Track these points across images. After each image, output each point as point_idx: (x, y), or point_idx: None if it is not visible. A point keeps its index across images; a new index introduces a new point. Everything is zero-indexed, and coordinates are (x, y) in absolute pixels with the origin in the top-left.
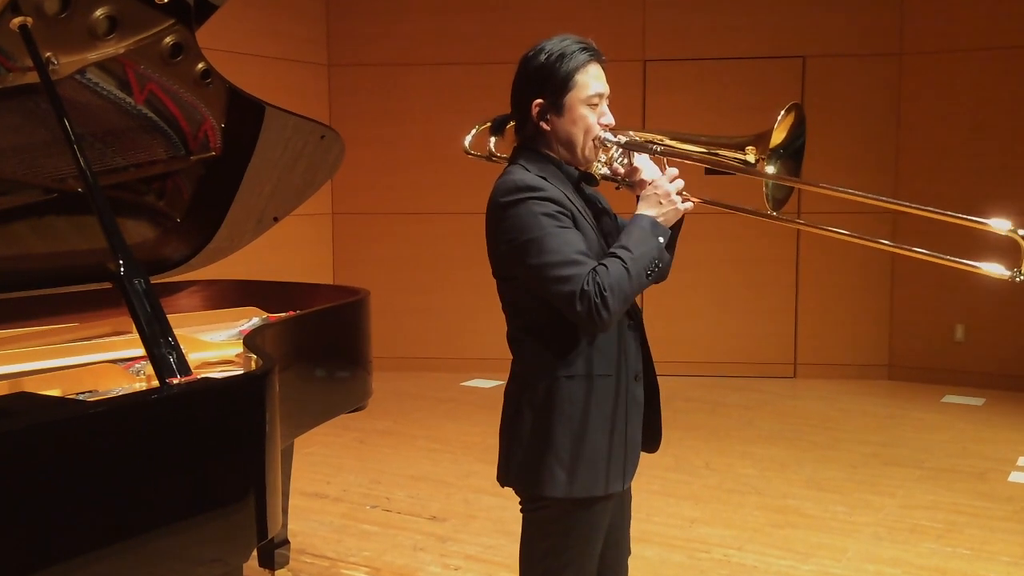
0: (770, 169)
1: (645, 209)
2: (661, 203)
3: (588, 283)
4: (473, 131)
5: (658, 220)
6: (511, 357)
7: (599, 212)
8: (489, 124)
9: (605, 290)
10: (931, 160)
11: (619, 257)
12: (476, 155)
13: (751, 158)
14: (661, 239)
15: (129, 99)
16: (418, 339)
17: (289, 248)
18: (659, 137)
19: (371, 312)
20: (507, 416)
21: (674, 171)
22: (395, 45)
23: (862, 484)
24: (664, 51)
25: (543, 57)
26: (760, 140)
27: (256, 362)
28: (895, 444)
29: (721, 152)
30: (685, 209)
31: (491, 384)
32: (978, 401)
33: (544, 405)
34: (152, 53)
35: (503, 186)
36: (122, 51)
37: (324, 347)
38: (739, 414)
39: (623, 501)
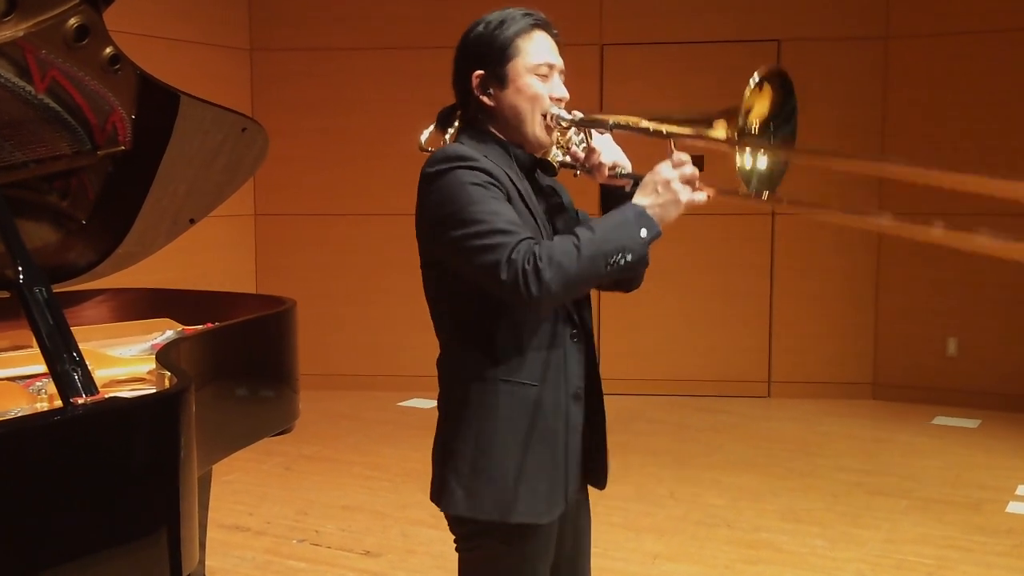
0: (748, 149)
1: (638, 197)
2: (658, 191)
3: (518, 251)
4: (428, 129)
5: (648, 211)
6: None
7: (555, 207)
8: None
9: (540, 259)
10: (920, 153)
11: (574, 234)
12: (432, 152)
13: (720, 134)
14: (644, 232)
15: (29, 87)
16: (351, 354)
17: (207, 253)
18: (619, 117)
19: (298, 324)
20: (437, 424)
21: (682, 156)
22: (325, 28)
23: (844, 516)
24: (623, 35)
25: (481, 27)
26: (731, 113)
27: (170, 380)
28: (881, 471)
29: (689, 129)
30: (690, 201)
31: (432, 404)
32: (973, 423)
33: (455, 411)
34: (55, 36)
35: (432, 157)
36: (21, 34)
37: (246, 363)
38: (707, 438)
39: (578, 535)
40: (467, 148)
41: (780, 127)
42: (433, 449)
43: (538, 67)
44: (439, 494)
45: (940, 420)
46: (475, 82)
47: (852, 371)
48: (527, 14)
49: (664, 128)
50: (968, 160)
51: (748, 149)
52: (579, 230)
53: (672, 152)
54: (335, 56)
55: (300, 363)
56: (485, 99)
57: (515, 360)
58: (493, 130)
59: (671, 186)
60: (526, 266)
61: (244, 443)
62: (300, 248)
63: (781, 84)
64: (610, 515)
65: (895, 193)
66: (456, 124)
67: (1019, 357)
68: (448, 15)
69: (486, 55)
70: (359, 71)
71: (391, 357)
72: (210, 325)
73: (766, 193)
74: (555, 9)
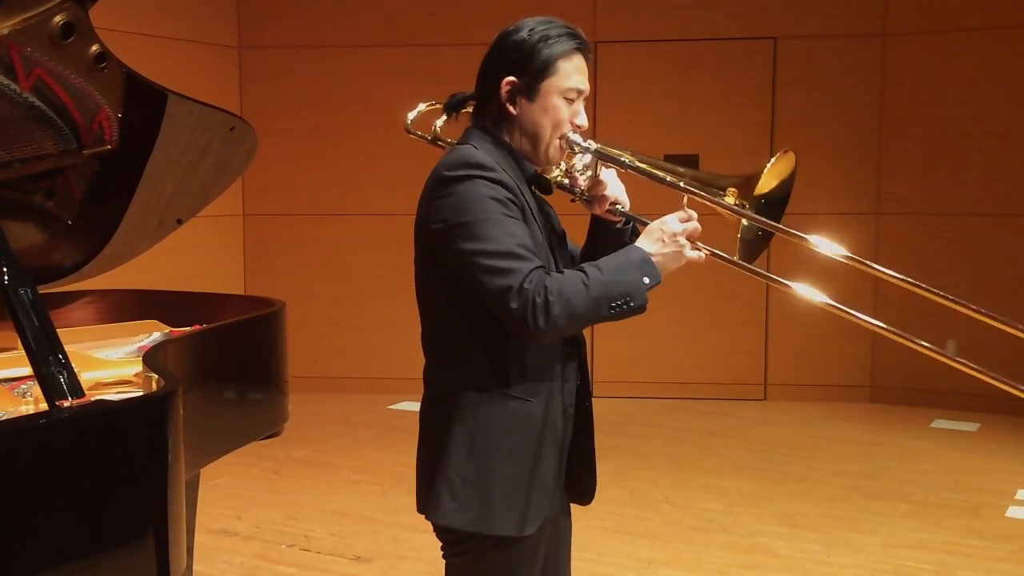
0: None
1: (643, 243)
2: (664, 241)
3: (530, 280)
4: (421, 107)
5: (652, 258)
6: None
7: (550, 228)
8: (441, 103)
9: (551, 293)
10: (918, 152)
11: (583, 271)
12: (419, 135)
13: (730, 200)
14: (647, 279)
15: (14, 86)
16: (340, 357)
17: (195, 254)
18: (633, 157)
19: (287, 326)
20: (420, 432)
21: (691, 212)
22: (315, 25)
23: (841, 520)
24: (617, 32)
25: (525, 33)
26: (746, 184)
27: (157, 382)
28: (878, 475)
29: (699, 189)
30: (690, 258)
31: None
32: (972, 426)
33: (446, 421)
34: (40, 34)
35: (450, 159)
36: (6, 31)
37: (234, 366)
38: (703, 441)
39: (557, 553)
40: (485, 156)
41: (774, 196)
42: (419, 458)
43: (569, 91)
44: (427, 503)
45: (939, 423)
46: (505, 88)
47: (849, 374)
48: (572, 35)
49: (680, 182)
50: (967, 161)
51: (745, 219)
52: (588, 268)
53: (684, 207)
54: (326, 54)
55: (289, 365)
56: (510, 107)
57: (517, 374)
58: (506, 138)
59: (677, 239)
60: (536, 298)
61: (232, 446)
62: (289, 249)
63: (788, 164)
64: (604, 520)
65: (894, 192)
66: (457, 115)
67: (1020, 359)
68: (440, 12)
69: (524, 65)
70: (350, 69)
71: (381, 359)
72: (198, 327)
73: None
74: (548, 5)
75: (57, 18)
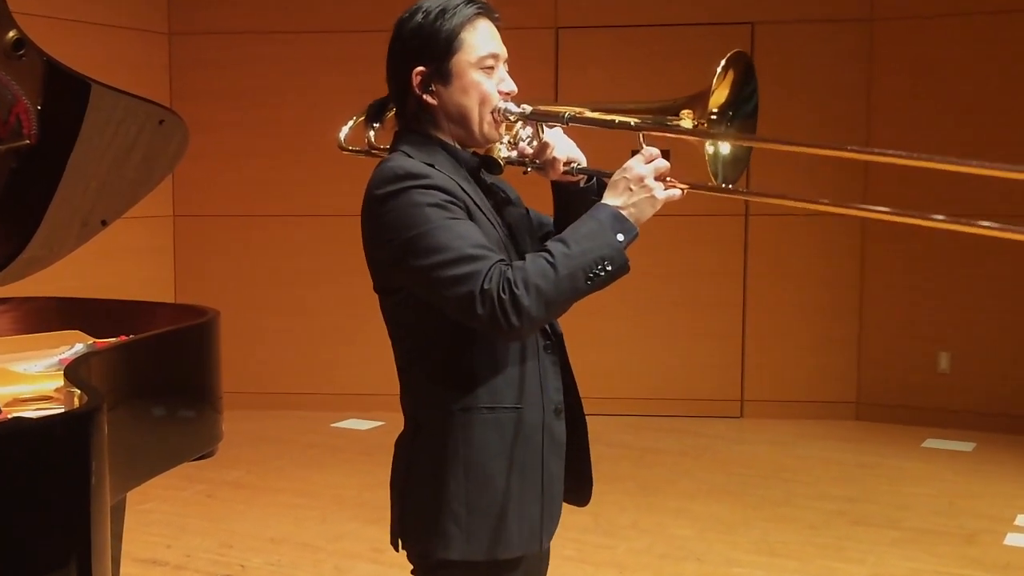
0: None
1: (609, 198)
2: (631, 189)
3: (490, 280)
4: (349, 123)
5: (623, 212)
6: (399, 392)
7: (503, 204)
8: (363, 115)
9: (516, 286)
10: (908, 144)
11: (547, 251)
12: (353, 151)
13: (687, 124)
14: (621, 236)
15: None
16: (279, 371)
17: (121, 258)
18: (575, 109)
19: (221, 337)
20: (395, 463)
21: (653, 150)
22: (251, 10)
23: (825, 549)
24: (580, 17)
25: (420, 16)
26: (697, 101)
27: (80, 398)
28: (865, 499)
29: (651, 120)
30: (665, 199)
31: (369, 425)
32: (967, 446)
33: (436, 447)
34: None
35: (379, 175)
36: None
37: (164, 380)
38: (673, 462)
39: (540, 568)
40: (415, 162)
41: (741, 110)
42: (401, 492)
43: (484, 60)
44: (428, 541)
45: (931, 443)
46: (415, 80)
47: (833, 389)
48: (469, 1)
49: (631, 120)
50: (957, 150)
51: (712, 137)
52: (551, 244)
53: (642, 146)
54: (264, 40)
55: (223, 380)
56: (427, 98)
57: (494, 384)
58: (435, 133)
59: (645, 183)
60: (502, 295)
61: (162, 468)
62: (224, 253)
63: (742, 67)
64: (564, 548)
65: (881, 183)
66: (384, 121)
67: (1017, 373)
68: None
69: (427, 49)
70: (291, 57)
71: (323, 373)
72: (124, 338)
73: (738, 183)
74: None
75: None
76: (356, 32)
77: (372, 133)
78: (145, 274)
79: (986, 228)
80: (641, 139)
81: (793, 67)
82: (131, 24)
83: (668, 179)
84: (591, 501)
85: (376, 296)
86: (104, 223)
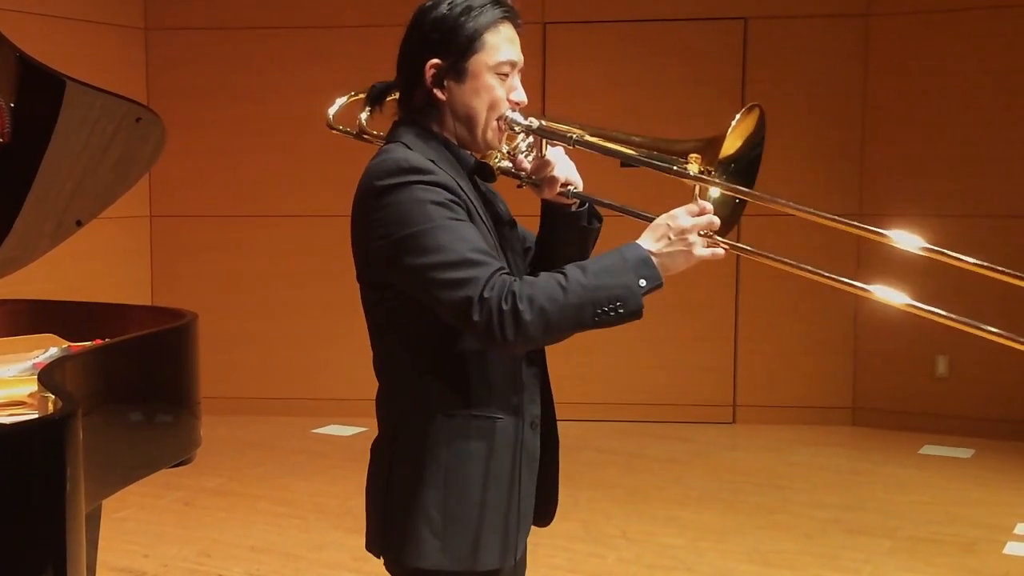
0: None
1: (645, 240)
2: (670, 238)
3: (491, 287)
4: (342, 99)
5: (654, 258)
6: (376, 394)
7: (495, 216)
8: (363, 94)
9: (520, 300)
10: (905, 146)
11: (563, 273)
12: (342, 131)
13: (693, 169)
14: (643, 282)
15: None
16: (259, 375)
17: (96, 260)
18: (582, 131)
19: (199, 341)
20: (373, 471)
21: (706, 204)
22: (231, 4)
23: (819, 558)
24: (568, 12)
25: (445, 7)
26: (709, 148)
27: (54, 403)
28: (861, 507)
29: (657, 158)
30: (703, 257)
31: (351, 431)
32: (965, 453)
33: (413, 451)
34: None
35: (381, 166)
36: None
37: (140, 385)
38: (664, 469)
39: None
40: (418, 156)
41: (744, 159)
42: (376, 497)
43: (501, 65)
44: (401, 547)
45: (928, 449)
46: (429, 71)
47: (828, 394)
48: (496, 3)
49: (627, 151)
50: (962, 156)
51: (713, 187)
52: (570, 269)
53: (696, 199)
54: (243, 36)
55: (202, 385)
56: (437, 92)
57: (482, 392)
58: (437, 129)
59: (687, 237)
60: (503, 306)
61: (138, 475)
62: (201, 254)
63: (756, 119)
64: (553, 557)
65: (879, 192)
66: (383, 106)
67: (1017, 378)
68: None
69: (447, 44)
70: (271, 53)
71: (305, 378)
72: (99, 341)
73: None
74: None
75: None
76: (337, 28)
77: (365, 116)
78: (121, 276)
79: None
80: (696, 191)
81: (787, 64)
82: (107, 19)
83: (711, 235)
84: (579, 509)
85: (355, 299)
86: (79, 224)
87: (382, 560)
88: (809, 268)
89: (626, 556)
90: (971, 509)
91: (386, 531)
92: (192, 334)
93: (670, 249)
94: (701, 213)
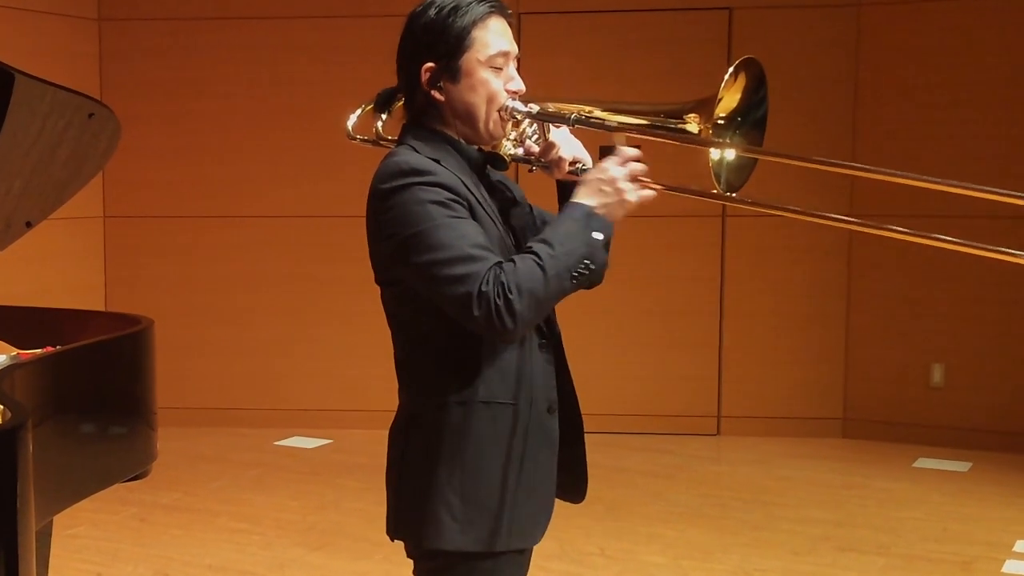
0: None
1: (582, 197)
2: (603, 190)
3: (487, 282)
4: (358, 110)
5: (596, 211)
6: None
7: (507, 203)
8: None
9: (510, 291)
10: (897, 139)
11: (534, 252)
12: (362, 140)
13: (692, 128)
14: (597, 235)
15: None
16: (218, 384)
17: (47, 263)
18: (582, 108)
19: (156, 348)
20: (391, 456)
21: (631, 151)
22: None
23: None
24: (545, 1)
25: (432, 12)
26: (703, 106)
27: (2, 414)
28: (852, 523)
29: (658, 123)
30: (637, 200)
31: (315, 444)
32: (962, 466)
33: (430, 438)
34: None
35: (385, 170)
36: None
37: (93, 395)
38: (645, 483)
39: (523, 570)
40: (421, 158)
41: (749, 117)
42: (396, 484)
43: (493, 58)
44: (421, 531)
45: (923, 462)
46: (424, 76)
47: (818, 404)
48: None
49: (632, 120)
50: (957, 153)
51: (715, 146)
52: (536, 246)
53: (618, 147)
54: (203, 27)
55: (158, 395)
56: (435, 94)
57: (493, 379)
58: (442, 128)
59: (617, 185)
60: (497, 300)
61: (92, 489)
62: (157, 257)
63: (754, 73)
64: None
65: (866, 193)
66: (392, 111)
67: (1016, 387)
68: None
69: (437, 46)
70: (232, 45)
71: (266, 388)
72: (50, 349)
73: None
74: None
75: None
76: (301, 19)
77: (380, 124)
78: (73, 280)
79: (948, 242)
80: (617, 139)
81: (774, 55)
82: (58, 9)
83: (641, 179)
84: (554, 526)
85: (320, 305)
86: (29, 225)
87: (403, 544)
88: (793, 208)
89: (605, 575)
90: (968, 525)
91: (406, 516)
92: (148, 341)
93: (606, 200)
94: (625, 161)
